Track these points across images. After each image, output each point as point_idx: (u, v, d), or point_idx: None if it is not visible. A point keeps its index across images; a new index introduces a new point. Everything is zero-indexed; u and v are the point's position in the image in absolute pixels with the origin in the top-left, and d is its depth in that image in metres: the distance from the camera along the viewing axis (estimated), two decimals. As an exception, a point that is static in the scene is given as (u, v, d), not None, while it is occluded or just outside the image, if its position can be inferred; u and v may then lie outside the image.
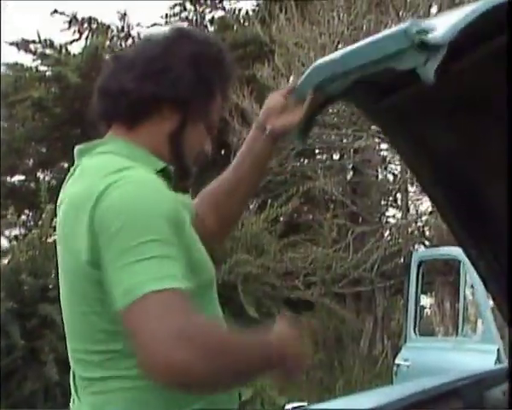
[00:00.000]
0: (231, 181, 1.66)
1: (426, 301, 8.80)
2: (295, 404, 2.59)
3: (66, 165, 12.74)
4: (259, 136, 1.64)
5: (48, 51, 10.59)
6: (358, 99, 1.78)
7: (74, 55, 10.55)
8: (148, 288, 1.19)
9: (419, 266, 5.33)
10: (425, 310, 8.68)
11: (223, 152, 11.67)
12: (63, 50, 10.60)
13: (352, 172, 9.95)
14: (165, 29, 1.50)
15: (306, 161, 10.39)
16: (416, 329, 5.30)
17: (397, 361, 5.34)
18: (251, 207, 9.74)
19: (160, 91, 1.37)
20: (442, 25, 1.42)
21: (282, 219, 8.48)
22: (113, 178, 1.28)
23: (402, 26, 1.40)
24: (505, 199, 1.96)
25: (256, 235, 7.91)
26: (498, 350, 4.43)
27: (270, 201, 8.21)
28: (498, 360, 4.37)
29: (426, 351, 4.99)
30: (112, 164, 1.33)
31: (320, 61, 1.69)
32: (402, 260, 8.43)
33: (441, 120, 1.94)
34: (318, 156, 10.43)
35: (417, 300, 5.39)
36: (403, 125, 2.04)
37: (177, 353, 1.16)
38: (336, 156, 9.94)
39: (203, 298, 1.35)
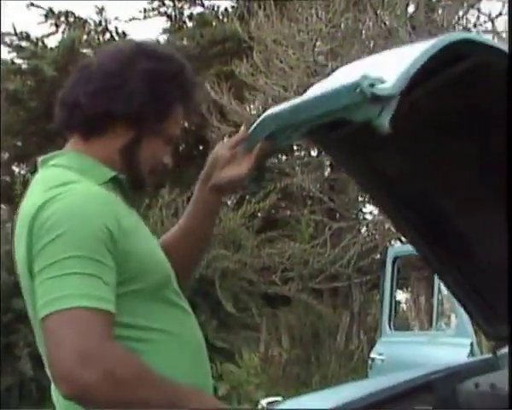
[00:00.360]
0: (182, 230, 1.62)
1: (401, 296, 8.90)
2: (270, 399, 2.62)
3: (42, 159, 12.62)
4: (203, 188, 1.60)
5: (24, 44, 10.48)
6: (309, 131, 1.82)
7: (51, 48, 10.45)
8: (65, 304, 1.23)
9: (394, 261, 5.39)
10: (400, 305, 8.77)
11: (201, 148, 11.65)
12: (39, 43, 10.50)
13: (329, 169, 9.99)
14: (127, 43, 1.52)
15: (284, 157, 10.42)
16: (391, 323, 5.36)
17: (372, 355, 5.39)
18: (229, 202, 9.75)
19: (112, 108, 1.38)
20: (393, 74, 1.42)
21: (259, 214, 8.51)
22: (55, 191, 1.31)
23: (353, 79, 1.40)
24: (465, 216, 2.03)
25: (233, 230, 7.92)
26: (472, 344, 4.50)
27: (247, 197, 8.23)
28: (472, 353, 4.44)
29: (400, 345, 5.04)
30: (58, 178, 1.36)
31: (271, 110, 1.68)
32: (378, 255, 8.50)
33: (393, 148, 1.97)
34: (296, 153, 10.46)
35: (392, 295, 5.44)
36: (355, 154, 2.09)
37: (79, 372, 1.20)
38: (314, 153, 9.97)
39: (154, 298, 1.35)
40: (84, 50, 10.71)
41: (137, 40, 1.53)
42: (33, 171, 1.48)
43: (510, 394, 1.06)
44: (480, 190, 2.00)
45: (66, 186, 1.31)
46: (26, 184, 1.54)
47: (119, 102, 1.38)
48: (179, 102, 1.46)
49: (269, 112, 1.71)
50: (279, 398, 2.49)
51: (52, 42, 10.64)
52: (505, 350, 2.36)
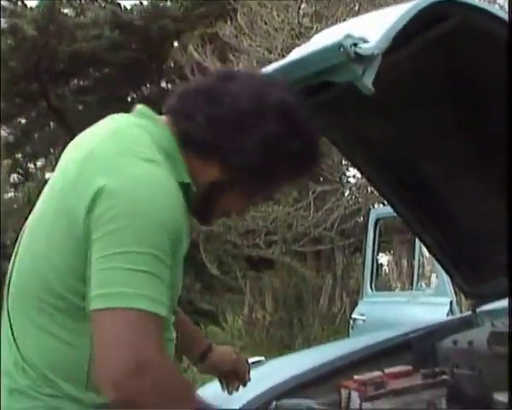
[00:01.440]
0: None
1: (384, 259, 8.99)
2: (253, 359, 2.64)
3: (23, 121, 12.49)
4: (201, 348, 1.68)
5: (3, 3, 10.28)
6: None
7: (31, 8, 10.27)
8: (134, 304, 1.14)
9: (376, 223, 5.44)
10: (383, 268, 8.87)
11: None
12: (19, 2, 10.31)
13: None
14: (272, 89, 1.31)
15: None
16: (373, 284, 5.43)
17: (353, 316, 5.47)
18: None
19: (226, 146, 1.27)
20: (375, 33, 1.42)
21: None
22: (140, 167, 1.20)
23: (337, 39, 1.39)
24: (446, 179, 2.05)
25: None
26: (451, 303, 4.60)
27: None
28: (451, 311, 4.54)
29: (381, 305, 5.11)
30: (145, 150, 1.24)
31: None
32: (361, 219, 8.56)
33: (375, 112, 1.98)
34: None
35: (374, 256, 5.51)
36: (335, 119, 2.09)
37: (131, 379, 1.14)
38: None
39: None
40: (65, 10, 10.53)
41: (284, 88, 1.34)
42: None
43: (510, 394, 1.09)
44: (460, 153, 2.02)
45: (153, 168, 1.20)
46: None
47: (234, 145, 1.27)
48: (287, 180, 1.39)
49: None
50: (262, 358, 2.52)
51: (32, 2, 10.46)
52: (483, 308, 2.41)
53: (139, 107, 1.35)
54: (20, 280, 1.34)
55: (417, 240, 5.15)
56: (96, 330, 1.16)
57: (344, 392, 2.00)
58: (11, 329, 1.34)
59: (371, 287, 5.42)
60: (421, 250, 5.13)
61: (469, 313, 2.44)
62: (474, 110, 1.85)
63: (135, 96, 12.04)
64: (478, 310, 2.41)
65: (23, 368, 1.30)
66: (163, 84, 12.21)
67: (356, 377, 2.01)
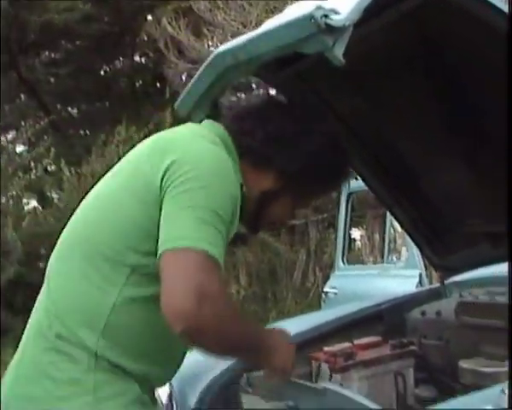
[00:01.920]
0: None
1: (357, 233, 9.05)
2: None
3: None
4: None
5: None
6: (258, 71, 1.81)
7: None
8: (202, 246, 1.34)
9: (348, 196, 5.47)
10: (356, 243, 8.93)
11: (158, 85, 11.45)
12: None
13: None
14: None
15: (243, 95, 10.33)
16: (345, 258, 5.48)
17: (325, 289, 5.52)
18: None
19: (277, 159, 1.54)
20: (346, 5, 1.42)
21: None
22: (204, 143, 1.47)
23: (307, 11, 1.39)
24: (415, 152, 2.05)
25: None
26: (420, 275, 4.67)
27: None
28: (420, 283, 4.61)
29: (353, 278, 5.16)
30: (213, 138, 1.51)
31: (224, 46, 1.67)
32: (335, 194, 8.59)
33: (345, 85, 1.97)
34: (255, 91, 10.38)
35: (346, 229, 5.54)
36: (304, 91, 2.08)
37: (200, 309, 1.31)
38: (273, 91, 9.91)
39: None
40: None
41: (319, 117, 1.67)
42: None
43: (510, 391, 1.11)
44: (431, 127, 2.03)
45: (217, 148, 1.47)
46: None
47: (287, 157, 1.53)
48: (323, 190, 1.68)
49: (222, 47, 1.70)
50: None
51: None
52: (452, 279, 2.45)
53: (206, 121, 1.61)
54: (76, 232, 1.52)
55: (388, 214, 5.21)
56: (165, 268, 1.34)
57: (314, 364, 2.02)
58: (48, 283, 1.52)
59: (343, 261, 5.46)
60: (393, 224, 5.18)
61: (438, 284, 2.47)
62: (447, 83, 1.85)
63: (107, 69, 11.87)
64: (446, 282, 2.45)
65: (46, 308, 1.48)
66: (136, 58, 12.05)
67: (326, 348, 2.02)
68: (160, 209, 1.39)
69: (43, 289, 1.56)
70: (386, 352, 2.02)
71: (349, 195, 5.46)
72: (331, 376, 1.93)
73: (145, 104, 10.89)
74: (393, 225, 5.29)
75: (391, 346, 2.06)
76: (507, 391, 1.23)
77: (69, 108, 12.22)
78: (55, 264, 1.55)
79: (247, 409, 1.92)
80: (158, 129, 7.88)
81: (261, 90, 10.69)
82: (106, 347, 1.43)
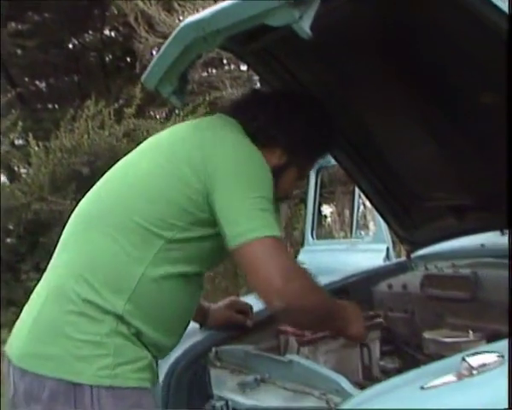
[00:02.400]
0: None
1: (328, 210, 9.11)
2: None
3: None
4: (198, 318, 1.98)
5: None
6: (226, 43, 1.80)
7: None
8: (264, 233, 1.52)
9: (318, 172, 5.50)
10: (327, 219, 8.99)
11: (128, 59, 11.31)
12: None
13: (258, 84, 9.93)
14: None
15: (214, 71, 10.26)
16: (314, 233, 5.51)
17: (295, 264, 5.52)
18: (158, 116, 9.58)
19: (280, 136, 1.73)
20: None
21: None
22: (240, 144, 1.67)
23: None
24: (382, 126, 2.07)
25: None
26: (388, 249, 4.73)
27: (176, 110, 8.11)
28: (387, 257, 4.67)
29: (322, 253, 5.20)
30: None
31: (191, 18, 1.67)
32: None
33: (312, 60, 1.97)
34: (226, 67, 10.31)
35: (315, 205, 5.58)
36: (274, 65, 2.08)
37: (288, 285, 1.52)
38: (244, 67, 9.85)
39: None
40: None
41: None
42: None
43: (509, 394, 1.13)
44: (397, 100, 2.03)
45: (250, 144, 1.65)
46: None
47: (289, 134, 1.74)
48: (317, 158, 1.87)
49: (189, 20, 1.68)
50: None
51: None
52: (418, 253, 2.48)
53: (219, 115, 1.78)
54: (106, 203, 1.63)
55: (357, 190, 5.25)
56: (249, 258, 1.53)
57: (282, 338, 2.04)
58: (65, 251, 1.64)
59: (312, 236, 5.50)
60: (363, 200, 5.22)
61: (405, 258, 2.50)
62: (414, 58, 1.85)
63: (76, 42, 11.67)
64: (413, 255, 2.48)
65: (71, 274, 1.56)
66: (106, 32, 11.87)
67: (294, 322, 2.04)
68: (202, 195, 1.56)
69: (60, 255, 1.65)
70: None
71: (318, 170, 5.49)
72: (299, 349, 1.95)
73: (115, 79, 10.76)
74: (364, 202, 5.34)
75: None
76: (468, 359, 1.25)
77: (37, 82, 12.01)
78: (81, 232, 1.63)
79: (215, 382, 1.93)
80: (128, 104, 7.76)
81: (232, 66, 10.56)
82: (131, 312, 1.53)
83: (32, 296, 1.68)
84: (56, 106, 11.35)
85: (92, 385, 1.50)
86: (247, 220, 1.53)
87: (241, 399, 1.79)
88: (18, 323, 1.66)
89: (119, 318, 1.53)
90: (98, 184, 1.73)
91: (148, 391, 1.59)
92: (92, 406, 1.50)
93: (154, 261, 1.56)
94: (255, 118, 1.73)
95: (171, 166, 1.61)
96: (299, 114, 1.77)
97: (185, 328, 1.72)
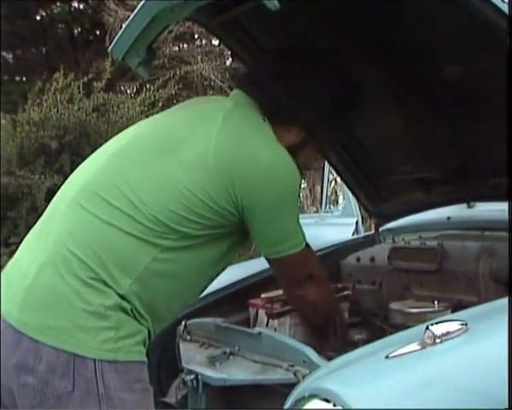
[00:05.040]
0: None
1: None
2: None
3: None
4: None
5: None
6: (195, 15, 1.78)
7: None
8: (300, 246, 1.66)
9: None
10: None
11: (97, 32, 11.11)
12: None
13: (231, 58, 9.85)
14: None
15: (185, 45, 10.15)
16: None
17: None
18: (128, 91, 9.46)
19: (300, 116, 1.66)
20: None
21: (160, 104, 8.34)
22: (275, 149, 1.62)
23: None
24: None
25: (132, 119, 7.74)
26: (357, 223, 4.78)
27: (147, 85, 8.02)
28: (356, 231, 4.72)
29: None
30: (266, 130, 1.67)
31: None
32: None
33: (281, 30, 1.96)
34: (197, 42, 10.22)
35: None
36: (242, 37, 2.06)
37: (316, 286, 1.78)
38: (216, 42, 9.77)
39: None
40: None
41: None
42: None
43: (509, 394, 1.14)
44: (366, 73, 2.03)
45: (280, 148, 1.60)
46: None
47: (307, 112, 1.66)
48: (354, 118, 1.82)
49: None
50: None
51: None
52: (387, 226, 2.51)
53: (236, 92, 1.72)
54: (116, 184, 1.56)
55: (327, 165, 5.27)
56: (286, 268, 1.71)
57: (252, 310, 2.05)
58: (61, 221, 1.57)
59: (283, 211, 5.49)
60: (333, 176, 5.24)
61: (373, 231, 2.53)
62: (383, 30, 1.85)
63: (44, 14, 11.43)
64: (381, 228, 2.50)
65: (76, 245, 1.52)
66: (74, 4, 11.64)
67: (263, 295, 2.05)
68: (230, 213, 1.57)
69: (60, 221, 1.58)
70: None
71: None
72: (268, 322, 1.97)
73: (84, 52, 10.57)
74: (335, 178, 5.36)
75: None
76: (432, 328, 1.28)
77: (3, 53, 11.75)
78: (89, 204, 1.57)
79: (185, 356, 1.94)
80: (98, 78, 7.60)
81: (204, 41, 10.41)
82: (135, 293, 1.51)
83: (15, 262, 1.61)
84: (24, 78, 11.14)
85: (96, 359, 1.46)
86: (287, 241, 1.64)
87: (210, 372, 1.80)
88: (4, 289, 1.56)
89: (125, 296, 1.51)
90: (108, 153, 1.65)
91: (146, 364, 1.57)
92: (96, 380, 1.46)
93: (165, 250, 1.54)
94: (276, 96, 1.65)
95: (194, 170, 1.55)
96: (322, 85, 1.66)
97: (174, 314, 1.71)
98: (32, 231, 1.67)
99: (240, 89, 1.71)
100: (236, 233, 1.63)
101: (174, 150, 1.58)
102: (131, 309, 1.53)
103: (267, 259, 1.73)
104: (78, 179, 1.65)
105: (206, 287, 1.72)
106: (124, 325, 1.51)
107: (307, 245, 1.71)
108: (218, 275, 1.71)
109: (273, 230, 1.62)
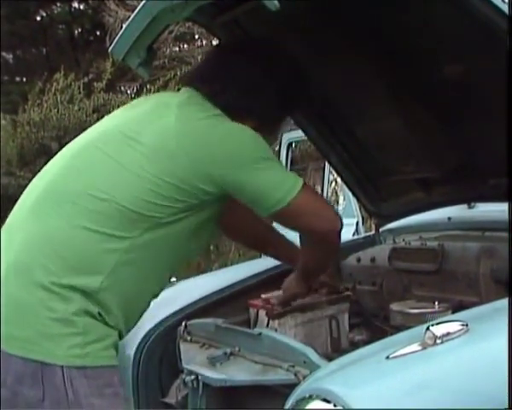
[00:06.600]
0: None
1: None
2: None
3: None
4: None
5: None
6: (195, 15, 1.78)
7: None
8: (299, 185, 1.63)
9: (288, 146, 5.50)
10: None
11: (97, 33, 11.12)
12: None
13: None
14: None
15: (186, 46, 10.16)
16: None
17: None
18: (128, 91, 9.47)
19: (256, 110, 1.67)
20: None
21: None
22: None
23: None
24: (346, 96, 2.08)
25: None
26: (357, 223, 4.77)
27: (147, 85, 8.02)
28: (357, 231, 4.71)
29: (291, 228, 5.22)
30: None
31: None
32: (277, 147, 8.62)
33: (280, 30, 1.96)
34: (198, 42, 10.23)
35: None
36: (242, 38, 2.06)
37: (337, 218, 1.73)
38: (216, 42, 9.78)
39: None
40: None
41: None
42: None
43: (510, 392, 1.14)
44: (364, 73, 2.03)
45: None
46: None
47: (260, 103, 1.68)
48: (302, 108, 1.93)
49: None
50: (174, 279, 2.54)
51: None
52: (387, 226, 2.51)
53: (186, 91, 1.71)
54: (74, 182, 1.56)
55: (327, 164, 5.26)
56: (301, 208, 1.65)
57: (252, 311, 2.05)
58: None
59: (282, 211, 5.49)
60: (334, 176, 5.24)
61: (373, 232, 2.53)
62: (384, 31, 1.85)
63: (44, 14, 11.43)
64: (381, 229, 2.50)
65: (37, 250, 1.51)
66: (75, 4, 11.64)
67: (263, 295, 2.05)
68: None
69: (19, 229, 1.56)
70: (322, 298, 2.06)
71: (289, 145, 5.50)
72: (268, 322, 1.97)
73: (84, 52, 10.58)
74: (335, 178, 5.35)
75: (327, 292, 2.10)
76: (432, 329, 1.28)
77: (4, 53, 11.75)
78: (49, 207, 1.55)
79: (185, 357, 1.94)
80: (98, 79, 7.63)
81: (204, 42, 10.45)
82: (107, 288, 1.50)
83: None
84: (24, 79, 11.14)
85: (63, 365, 1.46)
86: (279, 187, 1.60)
87: (211, 373, 1.79)
88: None
89: (89, 296, 1.49)
90: (68, 154, 1.66)
91: (117, 369, 1.56)
92: (65, 387, 1.46)
93: (132, 242, 1.53)
94: (224, 90, 1.65)
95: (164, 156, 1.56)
96: (271, 78, 1.68)
97: (141, 313, 1.69)
98: None
99: (190, 86, 1.71)
100: (205, 211, 1.62)
101: (135, 141, 1.58)
102: (99, 313, 1.51)
103: (275, 219, 1.72)
104: (40, 182, 1.64)
105: (180, 265, 1.73)
106: (91, 330, 1.49)
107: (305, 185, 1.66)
108: (195, 254, 1.78)
109: (259, 185, 1.59)
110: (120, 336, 1.60)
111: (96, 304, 1.50)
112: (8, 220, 1.64)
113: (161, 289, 1.70)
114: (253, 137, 1.62)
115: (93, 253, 1.51)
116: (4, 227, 1.63)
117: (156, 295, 1.69)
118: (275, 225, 1.96)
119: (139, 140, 1.58)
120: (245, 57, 1.70)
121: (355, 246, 2.46)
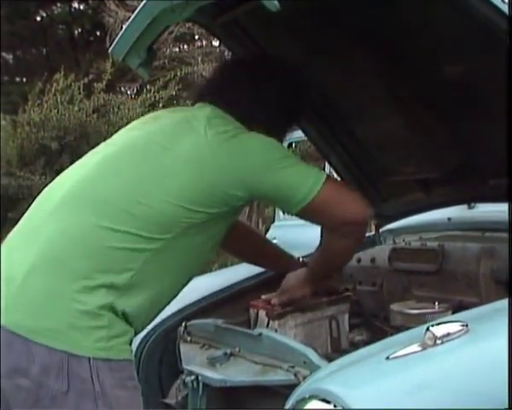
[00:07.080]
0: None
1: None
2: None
3: None
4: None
5: None
6: (195, 16, 1.79)
7: None
8: (322, 177, 1.67)
9: (288, 147, 5.51)
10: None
11: (97, 33, 11.14)
12: None
13: (231, 59, 9.88)
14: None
15: (186, 46, 10.17)
16: (284, 210, 5.51)
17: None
18: (128, 92, 9.48)
19: (256, 118, 1.74)
20: None
21: (160, 105, 8.34)
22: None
23: None
24: (346, 96, 2.08)
25: (133, 120, 7.75)
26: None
27: (147, 86, 8.03)
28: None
29: (291, 228, 5.21)
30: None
31: None
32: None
33: (280, 31, 1.97)
34: (198, 42, 10.24)
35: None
36: (242, 38, 2.07)
37: (365, 208, 1.75)
38: (216, 42, 9.78)
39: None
40: None
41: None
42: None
43: (510, 392, 1.14)
44: (365, 74, 2.04)
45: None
46: None
47: (270, 115, 1.78)
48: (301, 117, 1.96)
49: None
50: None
51: None
52: (387, 227, 2.51)
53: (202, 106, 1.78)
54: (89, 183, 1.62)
55: (327, 165, 5.26)
56: (328, 200, 1.68)
57: (252, 311, 2.05)
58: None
59: (283, 212, 5.50)
60: (334, 176, 5.22)
61: (373, 232, 2.52)
62: (384, 30, 1.85)
63: (44, 14, 11.44)
64: (381, 229, 2.50)
65: (68, 247, 1.54)
66: (75, 5, 11.66)
67: (263, 296, 2.05)
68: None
69: (48, 220, 1.59)
70: (322, 298, 2.06)
71: (289, 145, 5.50)
72: (268, 323, 1.96)
73: (84, 53, 10.59)
74: (335, 179, 5.34)
75: (327, 292, 2.10)
76: (432, 329, 1.28)
77: (4, 54, 11.77)
78: (82, 206, 1.59)
79: (185, 357, 1.94)
80: (98, 79, 7.62)
81: (204, 42, 10.45)
82: (135, 284, 1.54)
83: None
84: (24, 79, 11.15)
85: (91, 357, 1.48)
86: (305, 182, 1.65)
87: (211, 373, 1.80)
88: None
89: (116, 292, 1.53)
90: (90, 163, 1.70)
91: (134, 363, 1.61)
92: (91, 378, 1.48)
93: (164, 244, 1.58)
94: (238, 102, 1.75)
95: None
96: (282, 93, 1.78)
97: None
98: (12, 235, 1.67)
99: (204, 100, 1.79)
100: (230, 215, 1.71)
101: (169, 150, 1.64)
102: (122, 312, 1.55)
103: (303, 216, 1.75)
104: (68, 181, 1.68)
105: (200, 269, 1.78)
106: (114, 325, 1.53)
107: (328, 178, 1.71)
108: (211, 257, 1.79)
109: (286, 182, 1.66)
110: (135, 334, 1.64)
111: (120, 301, 1.54)
112: (29, 215, 1.68)
113: (179, 291, 1.73)
114: (272, 141, 1.71)
115: (121, 252, 1.55)
116: (23, 222, 1.67)
117: (175, 296, 1.72)
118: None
119: (173, 149, 1.64)
120: (258, 73, 1.80)
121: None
